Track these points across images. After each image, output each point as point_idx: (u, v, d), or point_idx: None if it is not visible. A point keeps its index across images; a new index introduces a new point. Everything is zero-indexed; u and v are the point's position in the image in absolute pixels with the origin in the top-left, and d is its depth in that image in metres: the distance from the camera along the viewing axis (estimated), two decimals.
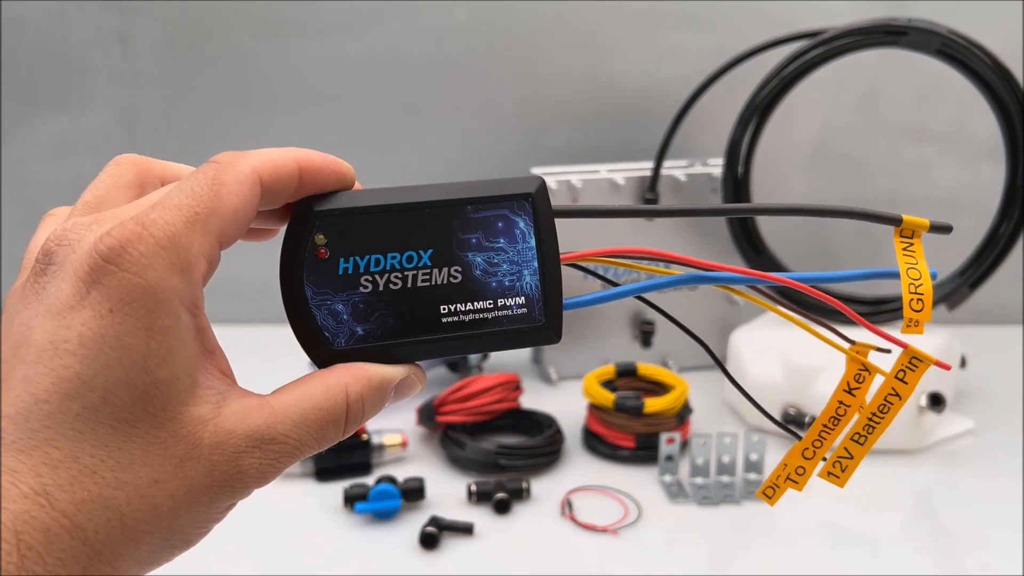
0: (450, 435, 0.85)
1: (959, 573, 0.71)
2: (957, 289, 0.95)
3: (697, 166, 1.04)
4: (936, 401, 0.84)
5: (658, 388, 0.91)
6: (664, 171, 1.01)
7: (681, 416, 0.86)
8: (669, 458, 0.82)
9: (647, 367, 0.92)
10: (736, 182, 0.95)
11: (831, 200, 1.16)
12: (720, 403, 0.98)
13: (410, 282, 0.32)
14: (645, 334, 1.04)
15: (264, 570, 0.72)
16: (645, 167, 1.02)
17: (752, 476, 0.81)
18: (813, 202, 0.35)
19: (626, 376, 0.92)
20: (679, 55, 1.11)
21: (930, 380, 0.85)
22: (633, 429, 0.85)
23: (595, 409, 0.87)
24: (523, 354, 1.10)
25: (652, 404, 0.84)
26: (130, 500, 0.26)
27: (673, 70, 1.12)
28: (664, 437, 0.82)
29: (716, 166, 1.01)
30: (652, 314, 1.04)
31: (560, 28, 1.12)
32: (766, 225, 0.98)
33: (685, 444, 0.86)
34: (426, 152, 1.16)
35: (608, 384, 0.91)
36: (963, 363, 0.93)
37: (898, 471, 0.84)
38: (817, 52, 0.89)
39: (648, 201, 1.00)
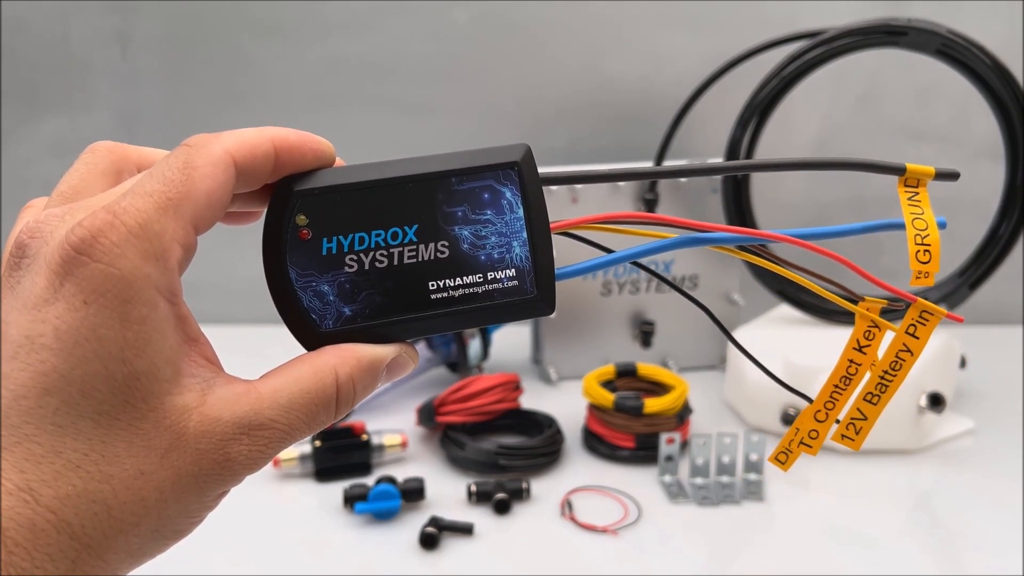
0: (450, 435, 0.85)
1: (959, 573, 0.71)
2: (957, 289, 0.95)
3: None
4: (936, 401, 0.84)
5: (658, 388, 0.91)
6: None
7: (681, 416, 0.86)
8: (669, 458, 0.82)
9: (647, 367, 0.92)
10: (736, 182, 0.95)
11: (831, 199, 1.16)
12: (720, 403, 0.98)
13: (396, 259, 0.31)
14: (645, 334, 1.04)
15: (264, 570, 0.72)
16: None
17: (752, 476, 0.81)
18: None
19: (626, 376, 0.92)
20: (679, 55, 1.11)
21: (930, 380, 0.85)
22: (633, 429, 0.85)
23: (595, 409, 0.87)
24: (523, 354, 1.11)
25: (652, 404, 0.84)
26: (116, 493, 0.26)
27: (673, 70, 1.12)
28: (664, 437, 0.82)
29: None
30: (652, 314, 1.04)
31: (560, 28, 1.12)
32: (761, 214, 0.98)
33: (685, 444, 0.86)
34: (426, 152, 1.16)
35: (608, 384, 0.91)
36: (963, 363, 0.93)
37: (898, 471, 0.84)
38: (817, 52, 0.89)
39: (648, 201, 1.00)
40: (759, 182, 0.97)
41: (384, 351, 0.31)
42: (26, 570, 0.24)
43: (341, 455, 0.83)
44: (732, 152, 0.94)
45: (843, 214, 1.16)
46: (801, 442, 0.35)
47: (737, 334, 0.97)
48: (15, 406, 0.25)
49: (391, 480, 0.77)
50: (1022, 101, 0.88)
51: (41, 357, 0.26)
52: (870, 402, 0.34)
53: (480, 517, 0.76)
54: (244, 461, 0.28)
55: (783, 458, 0.35)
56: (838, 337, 0.34)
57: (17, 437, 0.25)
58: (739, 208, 0.95)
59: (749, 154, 0.94)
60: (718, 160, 1.00)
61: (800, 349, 0.87)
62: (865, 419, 0.34)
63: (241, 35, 1.13)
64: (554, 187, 0.99)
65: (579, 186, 0.99)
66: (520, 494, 0.78)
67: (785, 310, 0.98)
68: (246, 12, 1.13)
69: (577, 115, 1.15)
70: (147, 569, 0.29)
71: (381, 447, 0.84)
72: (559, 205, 0.98)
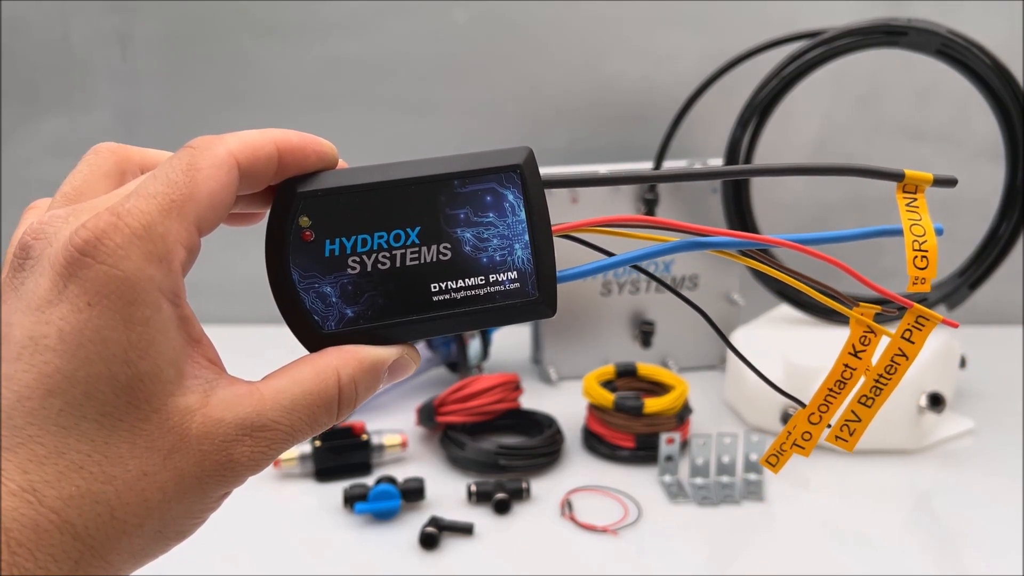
0: (450, 435, 0.85)
1: (959, 573, 0.71)
2: (957, 289, 0.95)
3: (697, 166, 1.04)
4: (936, 401, 0.84)
5: (658, 388, 0.91)
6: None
7: (681, 416, 0.86)
8: (669, 458, 0.82)
9: (647, 367, 0.92)
10: (736, 183, 0.95)
11: (832, 199, 1.16)
12: (720, 403, 0.98)
13: (399, 261, 0.31)
14: (645, 334, 1.04)
15: (264, 570, 0.72)
16: (645, 168, 1.02)
17: (752, 476, 0.81)
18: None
19: (626, 376, 0.92)
20: (679, 55, 1.11)
21: (930, 380, 0.85)
22: (633, 429, 0.85)
23: (595, 409, 0.87)
24: (523, 354, 1.11)
25: (652, 404, 0.84)
26: (119, 494, 0.26)
27: (673, 70, 1.12)
28: (664, 437, 0.82)
29: (716, 167, 1.01)
30: (652, 314, 1.04)
31: (560, 28, 1.12)
32: (761, 215, 0.98)
33: (685, 444, 0.86)
34: (426, 153, 1.15)
35: (608, 384, 0.91)
36: (963, 363, 0.93)
37: (898, 471, 0.84)
38: (817, 52, 0.89)
39: (648, 201, 1.00)
40: (759, 183, 0.97)
41: (386, 352, 0.31)
42: (29, 570, 0.24)
43: (341, 455, 0.83)
44: (732, 152, 0.94)
45: (844, 215, 1.16)
46: (794, 444, 0.35)
47: (737, 334, 0.97)
48: (19, 407, 0.25)
49: (391, 480, 0.77)
50: (1022, 101, 0.88)
51: (45, 358, 0.26)
52: (864, 404, 0.34)
53: (480, 517, 0.76)
54: (246, 462, 0.28)
55: (774, 460, 0.35)
56: (838, 337, 0.34)
57: (20, 438, 0.25)
58: (739, 209, 0.95)
59: (749, 154, 0.94)
60: (718, 160, 1.00)
61: (800, 349, 0.87)
62: (859, 421, 0.34)
63: (241, 35, 1.13)
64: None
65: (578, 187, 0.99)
66: (520, 494, 0.78)
67: (785, 310, 0.98)
68: (246, 12, 1.13)
69: (577, 115, 1.15)
70: (148, 569, 0.29)
71: (381, 447, 0.84)
72: (559, 205, 0.98)
